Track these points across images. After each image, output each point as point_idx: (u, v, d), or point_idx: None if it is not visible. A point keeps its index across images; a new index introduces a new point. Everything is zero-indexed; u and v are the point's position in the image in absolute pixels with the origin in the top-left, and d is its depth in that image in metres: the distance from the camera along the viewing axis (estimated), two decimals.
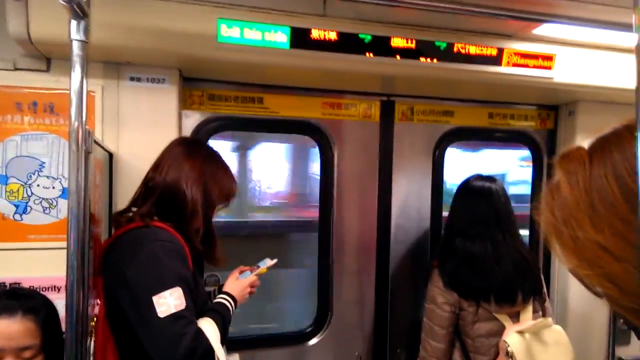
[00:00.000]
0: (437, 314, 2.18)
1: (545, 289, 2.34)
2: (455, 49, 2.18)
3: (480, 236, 2.19)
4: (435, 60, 2.16)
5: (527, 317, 2.20)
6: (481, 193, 2.25)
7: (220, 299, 1.77)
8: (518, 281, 2.16)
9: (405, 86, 2.60)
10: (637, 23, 0.58)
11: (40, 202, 2.00)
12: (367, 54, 2.09)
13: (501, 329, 2.15)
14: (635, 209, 0.61)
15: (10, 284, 1.96)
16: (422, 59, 2.14)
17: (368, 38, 2.08)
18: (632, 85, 0.62)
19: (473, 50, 2.19)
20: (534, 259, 2.35)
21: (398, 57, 2.12)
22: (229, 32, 1.93)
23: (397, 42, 2.11)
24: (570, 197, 0.74)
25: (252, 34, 1.96)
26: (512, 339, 2.05)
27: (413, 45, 2.13)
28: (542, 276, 2.33)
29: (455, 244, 2.22)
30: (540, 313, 2.28)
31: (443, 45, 2.16)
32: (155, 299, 1.45)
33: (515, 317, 2.20)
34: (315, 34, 2.02)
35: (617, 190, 0.67)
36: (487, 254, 2.16)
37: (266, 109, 2.50)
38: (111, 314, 1.60)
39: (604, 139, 0.74)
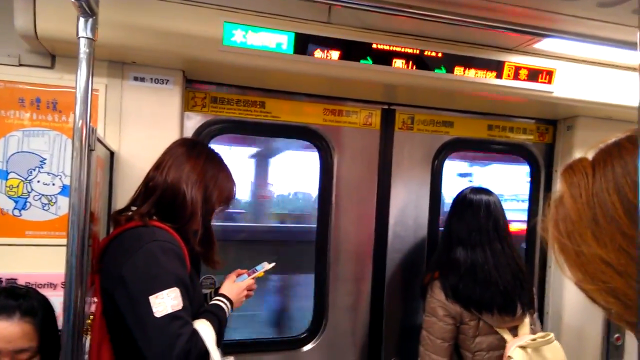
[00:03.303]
0: (439, 327, 2.16)
1: (536, 301, 2.35)
2: (456, 60, 2.20)
3: (481, 245, 2.20)
4: (435, 72, 2.18)
5: (525, 331, 2.20)
6: (479, 204, 2.27)
7: (217, 301, 1.77)
8: (517, 292, 2.17)
9: (406, 95, 2.62)
10: None
11: (40, 198, 2.00)
12: (370, 62, 2.11)
13: (501, 343, 2.16)
14: (636, 223, 0.61)
15: (6, 280, 1.96)
16: (423, 69, 2.16)
17: (370, 47, 2.10)
18: (632, 102, 0.62)
19: (474, 62, 2.22)
20: (528, 270, 2.36)
21: (399, 66, 2.14)
22: (235, 36, 1.95)
23: (399, 51, 2.13)
24: (573, 210, 0.73)
25: (256, 38, 1.97)
26: (516, 354, 2.05)
27: (415, 55, 2.15)
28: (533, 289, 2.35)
29: (456, 255, 2.22)
30: (536, 326, 2.29)
31: (445, 56, 2.19)
32: (152, 298, 1.45)
33: (514, 331, 2.20)
34: (319, 40, 2.04)
35: (619, 204, 0.66)
36: (487, 262, 2.17)
37: (268, 113, 2.52)
38: (107, 312, 1.60)
39: (606, 151, 0.73)
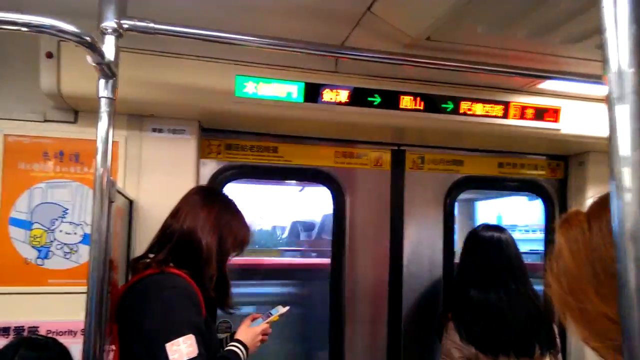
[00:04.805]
0: None
1: (558, 339, 2.29)
2: (462, 103, 2.26)
3: (495, 285, 2.17)
4: (442, 114, 2.24)
5: None
6: (491, 242, 2.26)
7: (232, 346, 1.78)
8: (533, 332, 2.12)
9: (415, 136, 2.67)
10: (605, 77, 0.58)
11: (62, 247, 2.07)
12: (377, 107, 2.18)
13: None
14: None
15: (28, 328, 2.01)
16: (430, 112, 2.22)
17: (377, 93, 2.17)
18: None
19: (480, 105, 2.27)
20: (547, 308, 2.32)
21: (406, 110, 2.20)
22: (246, 87, 2.04)
23: (405, 96, 2.20)
24: (573, 265, 0.71)
25: (268, 89, 2.06)
26: None
27: (421, 99, 2.21)
28: (555, 326, 2.30)
29: (470, 294, 2.19)
30: None
31: (450, 102, 2.25)
32: (168, 346, 1.48)
33: None
34: (328, 89, 2.13)
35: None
36: (502, 303, 2.13)
37: (280, 158, 2.59)
38: None
39: (600, 204, 0.72)
